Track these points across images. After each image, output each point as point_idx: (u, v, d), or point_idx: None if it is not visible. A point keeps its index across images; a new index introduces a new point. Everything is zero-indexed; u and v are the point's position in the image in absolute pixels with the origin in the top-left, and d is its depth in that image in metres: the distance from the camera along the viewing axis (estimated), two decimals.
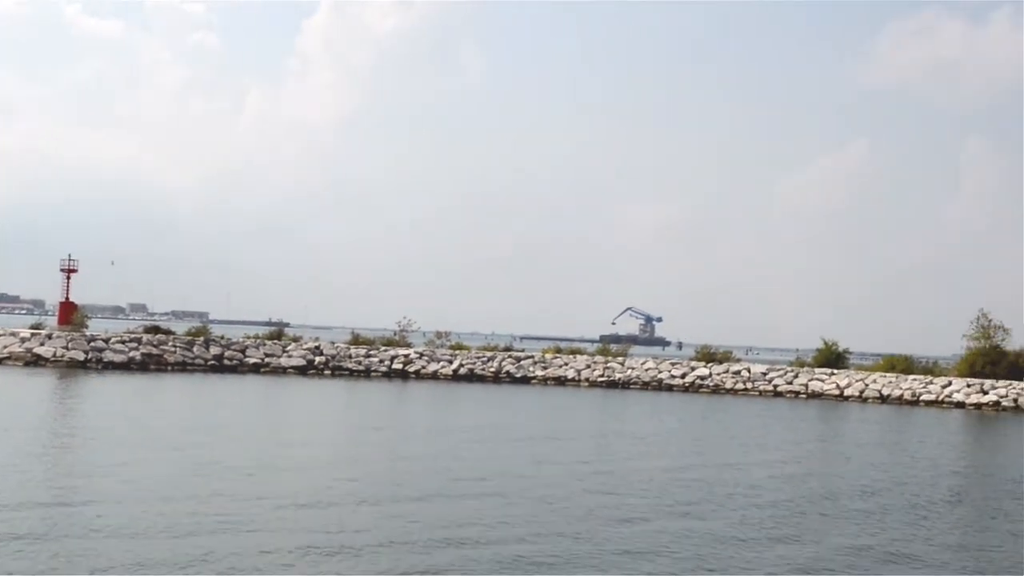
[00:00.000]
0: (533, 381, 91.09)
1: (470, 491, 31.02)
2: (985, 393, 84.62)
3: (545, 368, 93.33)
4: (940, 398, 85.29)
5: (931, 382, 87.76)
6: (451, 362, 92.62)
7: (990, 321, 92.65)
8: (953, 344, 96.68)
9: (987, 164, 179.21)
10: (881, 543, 26.64)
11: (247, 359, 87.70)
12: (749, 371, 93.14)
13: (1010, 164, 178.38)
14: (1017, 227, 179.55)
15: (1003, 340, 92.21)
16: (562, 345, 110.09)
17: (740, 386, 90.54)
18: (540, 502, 29.77)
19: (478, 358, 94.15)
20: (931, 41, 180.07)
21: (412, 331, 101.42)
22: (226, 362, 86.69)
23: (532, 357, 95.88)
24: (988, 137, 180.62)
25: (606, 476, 35.84)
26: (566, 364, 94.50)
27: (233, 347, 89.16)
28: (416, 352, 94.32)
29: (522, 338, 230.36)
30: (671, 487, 33.91)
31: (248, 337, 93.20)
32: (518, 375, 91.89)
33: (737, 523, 28.20)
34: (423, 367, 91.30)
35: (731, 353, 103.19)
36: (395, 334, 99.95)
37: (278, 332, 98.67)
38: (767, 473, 38.92)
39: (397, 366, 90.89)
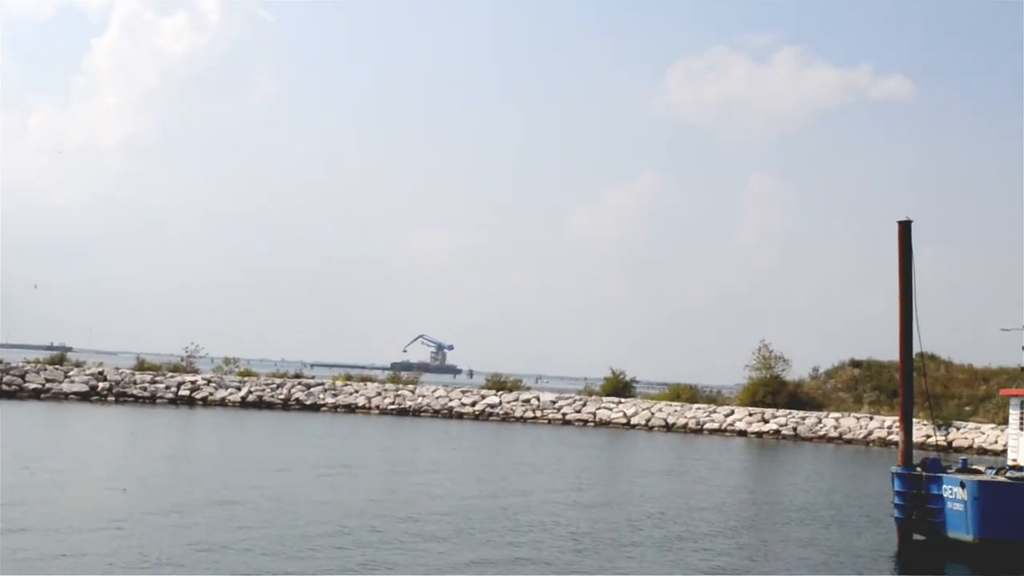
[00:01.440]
0: (323, 408, 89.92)
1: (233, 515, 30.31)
2: (766, 422, 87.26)
3: (335, 395, 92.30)
4: (723, 426, 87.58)
5: (715, 411, 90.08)
6: (239, 389, 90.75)
7: (771, 352, 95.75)
8: (736, 374, 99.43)
9: (770, 200, 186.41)
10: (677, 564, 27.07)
11: (27, 384, 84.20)
12: (539, 399, 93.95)
13: (792, 200, 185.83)
14: (797, 260, 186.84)
15: (783, 371, 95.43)
16: (353, 372, 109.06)
17: (530, 414, 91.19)
18: (342, 531, 29.26)
19: (267, 385, 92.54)
20: (719, 78, 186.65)
21: (200, 357, 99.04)
22: (4, 387, 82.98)
23: (322, 384, 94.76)
24: (772, 173, 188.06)
25: (404, 503, 35.57)
26: (356, 391, 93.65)
27: (12, 371, 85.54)
28: (203, 378, 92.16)
29: (313, 365, 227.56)
30: (472, 514, 33.82)
31: (28, 362, 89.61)
32: (308, 402, 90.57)
33: (538, 549, 28.27)
34: (210, 394, 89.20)
35: (521, 381, 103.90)
36: (182, 360, 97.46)
37: (60, 356, 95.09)
38: (563, 500, 39.21)
39: (184, 392, 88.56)
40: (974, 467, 35.64)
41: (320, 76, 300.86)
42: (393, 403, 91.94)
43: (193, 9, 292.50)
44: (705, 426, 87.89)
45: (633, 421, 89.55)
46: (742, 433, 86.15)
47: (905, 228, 35.84)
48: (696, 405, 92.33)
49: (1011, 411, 36.47)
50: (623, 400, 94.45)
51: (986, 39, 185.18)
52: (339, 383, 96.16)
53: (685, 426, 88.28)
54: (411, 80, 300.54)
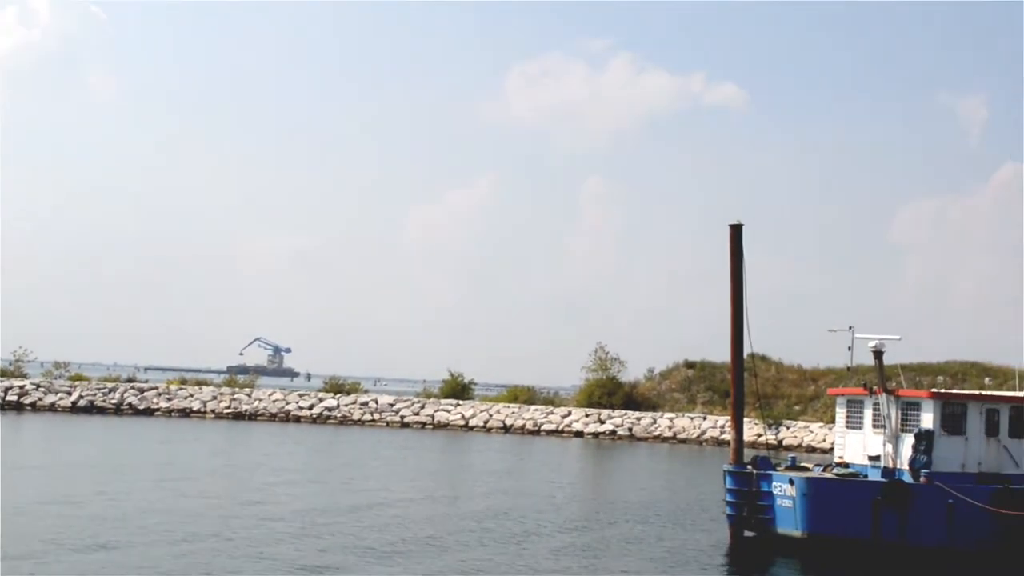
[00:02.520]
0: (157, 413, 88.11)
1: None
2: (602, 423, 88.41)
3: (170, 399, 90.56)
4: (561, 427, 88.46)
5: (552, 412, 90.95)
6: (70, 394, 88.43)
7: (607, 354, 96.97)
8: (573, 375, 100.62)
9: (607, 203, 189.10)
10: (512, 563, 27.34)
11: None
12: (377, 402, 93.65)
13: (628, 203, 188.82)
14: (634, 263, 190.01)
15: (619, 372, 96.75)
16: (188, 376, 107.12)
17: (368, 417, 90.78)
18: (185, 539, 28.80)
19: (99, 389, 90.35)
20: (555, 83, 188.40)
21: (28, 361, 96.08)
22: None
23: (156, 388, 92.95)
24: (608, 177, 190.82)
25: (256, 507, 35.19)
26: (191, 395, 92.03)
27: None
28: (32, 383, 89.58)
29: (147, 368, 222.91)
30: (316, 517, 33.65)
31: None
32: (141, 407, 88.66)
33: (381, 551, 28.27)
34: (39, 399, 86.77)
35: (359, 384, 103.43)
36: (9, 364, 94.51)
37: None
38: (402, 502, 39.24)
39: (12, 398, 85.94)
40: (803, 464, 36.72)
41: (156, 75, 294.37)
42: (229, 407, 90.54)
43: (23, 5, 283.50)
44: (543, 427, 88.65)
45: (471, 423, 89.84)
46: (579, 434, 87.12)
47: (736, 231, 36.72)
48: (534, 406, 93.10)
49: (838, 410, 37.64)
50: (461, 402, 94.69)
51: (815, 48, 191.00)
52: (173, 387, 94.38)
53: (523, 427, 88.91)
54: (252, 80, 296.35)
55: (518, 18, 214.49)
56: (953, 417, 34.59)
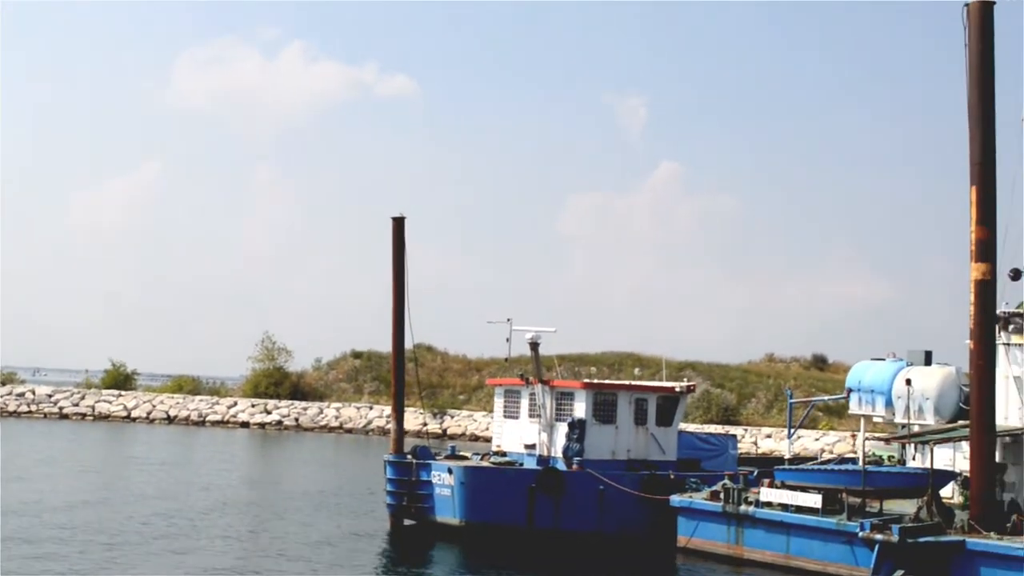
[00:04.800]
0: None
1: None
2: (269, 413, 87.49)
3: None
4: (226, 418, 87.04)
5: (217, 403, 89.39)
6: None
7: (274, 343, 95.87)
8: (240, 365, 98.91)
9: (278, 191, 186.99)
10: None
11: None
12: (34, 393, 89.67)
13: (299, 192, 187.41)
14: (303, 252, 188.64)
15: (286, 362, 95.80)
16: None
17: (24, 408, 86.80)
18: None
19: None
20: (227, 69, 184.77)
21: None
22: None
23: None
24: (280, 165, 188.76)
25: None
26: None
27: None
28: None
29: None
30: None
31: None
32: None
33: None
34: None
35: (16, 375, 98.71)
36: None
37: None
38: (65, 498, 37.80)
39: None
40: (462, 454, 37.51)
41: None
42: None
43: None
44: (208, 418, 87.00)
45: (134, 414, 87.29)
46: (245, 424, 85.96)
47: (399, 224, 37.17)
48: (199, 397, 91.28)
49: (496, 400, 38.64)
50: (123, 393, 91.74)
51: (489, 42, 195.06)
52: None
53: (187, 418, 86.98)
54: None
55: (189, 1, 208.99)
56: (604, 406, 36.07)
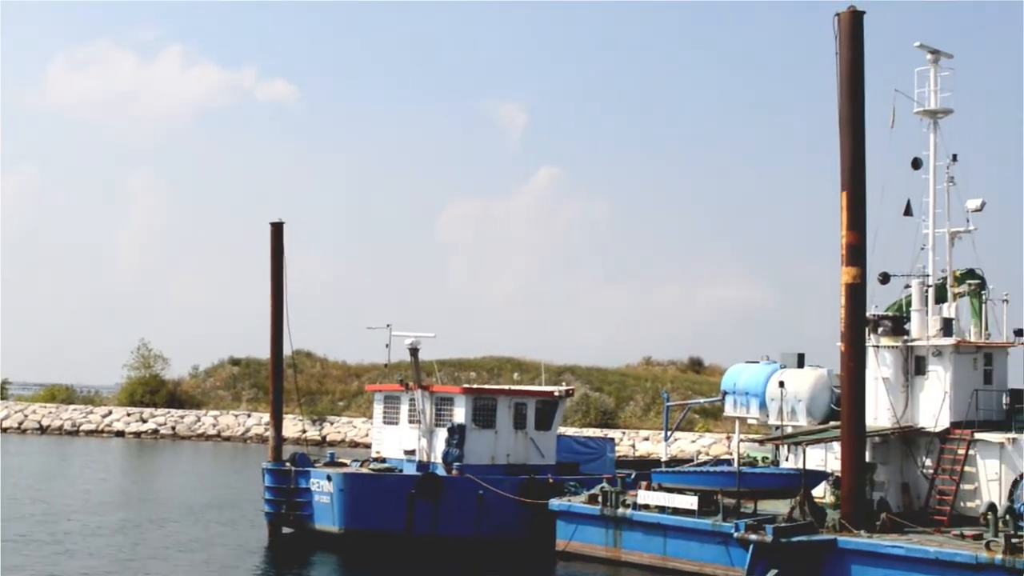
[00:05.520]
0: None
1: None
2: (145, 421, 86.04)
3: None
4: (101, 427, 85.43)
5: (92, 412, 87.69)
6: None
7: (150, 351, 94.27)
8: (116, 373, 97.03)
9: (155, 197, 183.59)
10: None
11: None
12: None
13: (176, 198, 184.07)
14: (181, 258, 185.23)
15: (163, 370, 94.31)
16: None
17: None
18: None
19: None
20: (103, 72, 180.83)
21: None
22: None
23: None
24: (157, 171, 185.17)
25: None
26: None
27: None
28: None
29: None
30: None
31: None
32: None
33: None
34: None
35: None
36: None
37: None
38: None
39: None
40: (341, 460, 37.29)
41: None
42: None
43: None
44: (82, 427, 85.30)
45: (5, 424, 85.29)
46: (121, 434, 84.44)
47: (277, 229, 36.88)
48: (73, 406, 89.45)
49: (375, 406, 38.49)
50: None
51: (369, 48, 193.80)
52: None
53: (61, 428, 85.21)
54: None
55: (64, 2, 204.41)
56: (484, 411, 36.12)
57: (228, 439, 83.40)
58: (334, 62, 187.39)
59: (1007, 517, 26.70)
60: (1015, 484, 28.97)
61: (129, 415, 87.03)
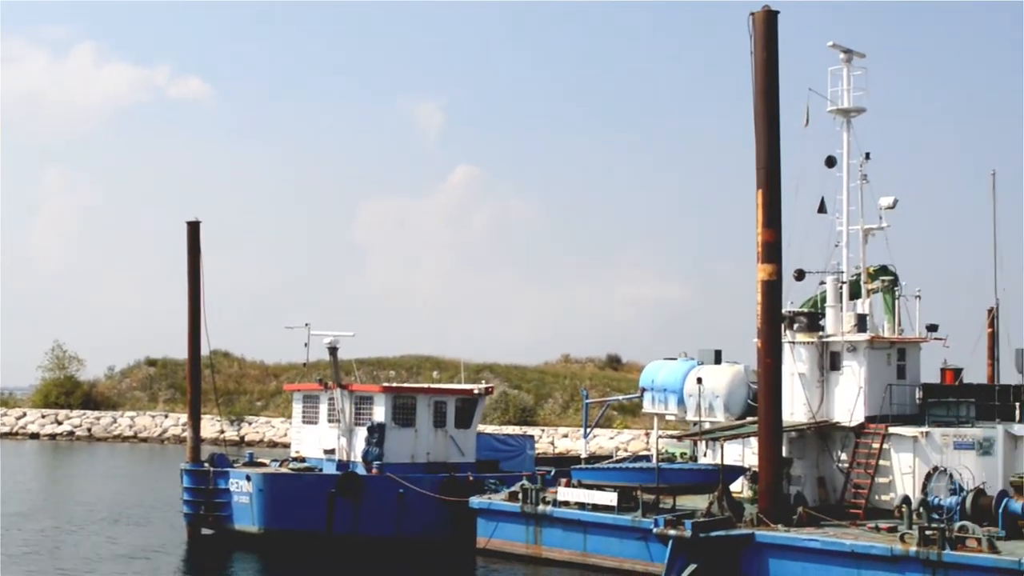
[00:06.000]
0: None
1: None
2: (60, 423, 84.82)
3: None
4: (15, 430, 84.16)
5: (5, 414, 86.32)
6: None
7: (65, 352, 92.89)
8: (29, 375, 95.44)
9: (69, 196, 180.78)
10: None
11: None
12: None
13: (89, 197, 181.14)
14: (96, 258, 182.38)
15: (78, 371, 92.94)
16: None
17: None
18: None
19: None
20: (15, 70, 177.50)
21: None
22: None
23: None
24: (70, 169, 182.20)
25: None
26: None
27: None
28: None
29: None
30: None
31: None
32: None
33: None
34: None
35: None
36: None
37: None
38: None
39: None
40: (260, 460, 37.05)
41: None
42: None
43: None
44: None
45: None
46: (35, 436, 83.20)
47: (193, 228, 36.55)
48: None
49: (294, 405, 38.29)
50: None
51: (280, 47, 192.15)
52: None
53: None
54: None
55: None
56: (404, 410, 36.09)
57: (145, 440, 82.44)
58: (248, 60, 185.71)
59: (921, 510, 27.15)
60: (928, 477, 29.46)
61: (44, 417, 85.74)
